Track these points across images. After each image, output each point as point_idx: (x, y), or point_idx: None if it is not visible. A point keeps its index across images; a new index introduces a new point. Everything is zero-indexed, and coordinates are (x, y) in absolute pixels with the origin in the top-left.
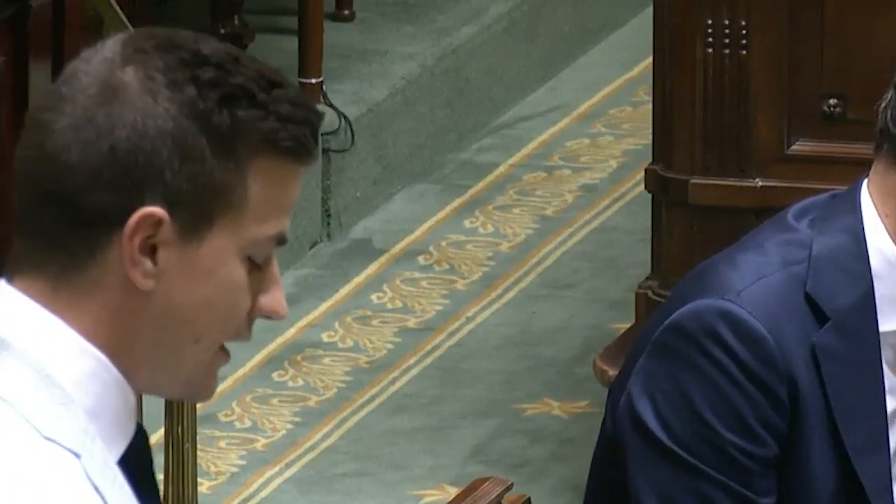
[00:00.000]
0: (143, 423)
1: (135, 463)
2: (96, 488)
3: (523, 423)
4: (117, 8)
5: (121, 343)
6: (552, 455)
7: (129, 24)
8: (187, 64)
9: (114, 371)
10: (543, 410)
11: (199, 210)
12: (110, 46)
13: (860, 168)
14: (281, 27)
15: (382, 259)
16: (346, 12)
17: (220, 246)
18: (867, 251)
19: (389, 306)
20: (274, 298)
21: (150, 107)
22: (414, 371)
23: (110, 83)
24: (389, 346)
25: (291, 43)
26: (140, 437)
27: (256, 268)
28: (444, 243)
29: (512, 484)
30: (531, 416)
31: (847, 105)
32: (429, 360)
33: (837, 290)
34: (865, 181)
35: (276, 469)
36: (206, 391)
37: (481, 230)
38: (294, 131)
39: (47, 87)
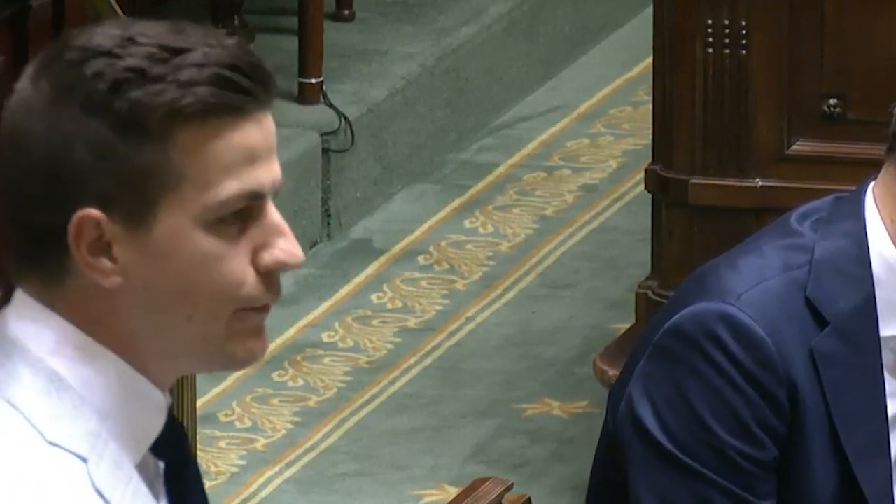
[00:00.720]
0: None
1: (174, 455)
2: (99, 493)
3: (523, 423)
4: (117, 8)
5: (123, 340)
6: (552, 455)
7: None
8: (75, 63)
9: (127, 369)
10: (543, 410)
11: (133, 198)
12: (32, 62)
13: (860, 168)
14: (281, 27)
15: (382, 259)
16: (346, 12)
17: (171, 225)
18: (869, 256)
19: (389, 306)
20: (278, 249)
21: (53, 115)
22: (414, 371)
23: (26, 100)
24: (389, 346)
25: (291, 43)
26: (176, 429)
27: (241, 229)
28: (444, 243)
29: (512, 484)
30: (531, 416)
31: (847, 105)
32: (429, 360)
33: (838, 295)
34: (871, 184)
35: (276, 469)
36: (242, 357)
37: (481, 230)
38: (200, 93)
39: None
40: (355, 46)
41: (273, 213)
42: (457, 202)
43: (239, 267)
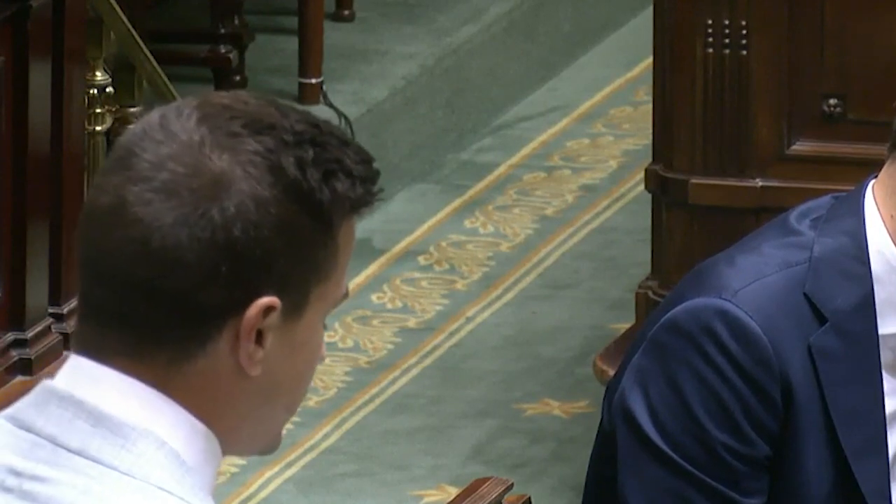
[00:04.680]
0: None
1: None
2: None
3: (523, 423)
4: (117, 8)
5: (222, 418)
6: (552, 455)
7: (129, 24)
8: (287, 145)
9: (217, 447)
10: (543, 410)
11: (301, 289)
12: (189, 127)
13: (860, 168)
14: (281, 27)
15: (382, 259)
16: (346, 12)
17: (313, 318)
18: (868, 254)
19: (389, 306)
20: (323, 349)
21: (258, 196)
22: (414, 371)
23: (212, 173)
24: (389, 346)
25: (291, 43)
26: None
27: None
28: (444, 243)
29: (512, 484)
30: (531, 416)
31: (847, 105)
32: (429, 360)
33: (837, 292)
34: (871, 183)
35: (276, 469)
36: (277, 446)
37: (481, 230)
38: (370, 189)
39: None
40: (355, 46)
41: None
42: (457, 202)
43: None
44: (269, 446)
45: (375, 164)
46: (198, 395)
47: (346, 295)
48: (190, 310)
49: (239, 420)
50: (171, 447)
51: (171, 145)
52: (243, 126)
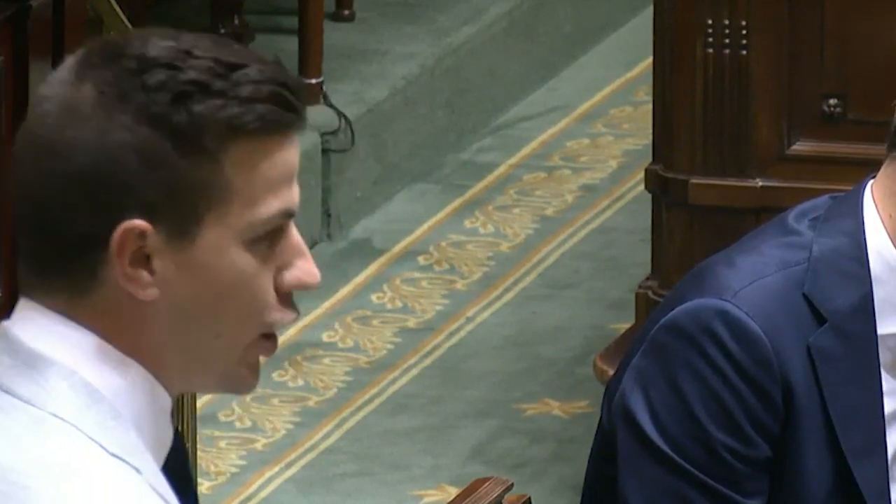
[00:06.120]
0: None
1: (174, 467)
2: (166, 501)
3: (523, 423)
4: (117, 8)
5: (147, 351)
6: (552, 455)
7: (129, 25)
8: (134, 72)
9: (150, 378)
10: (543, 410)
11: (181, 212)
12: (67, 64)
13: (860, 168)
14: (281, 27)
15: (382, 259)
16: (346, 12)
17: (214, 240)
18: (867, 254)
19: (389, 306)
20: (299, 270)
21: (105, 123)
22: (414, 371)
23: (68, 105)
24: (389, 346)
25: (291, 43)
26: (177, 439)
27: (268, 247)
28: (444, 243)
29: (512, 484)
30: (531, 416)
31: (847, 105)
32: (429, 360)
33: (836, 292)
34: (870, 182)
35: (276, 469)
36: (245, 384)
37: (481, 230)
38: (261, 110)
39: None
40: (355, 46)
41: (295, 234)
42: (457, 202)
43: (266, 286)
44: (224, 380)
45: (282, 82)
46: (109, 325)
47: (289, 214)
48: (65, 242)
49: (160, 348)
50: (80, 376)
51: (52, 84)
52: (102, 57)
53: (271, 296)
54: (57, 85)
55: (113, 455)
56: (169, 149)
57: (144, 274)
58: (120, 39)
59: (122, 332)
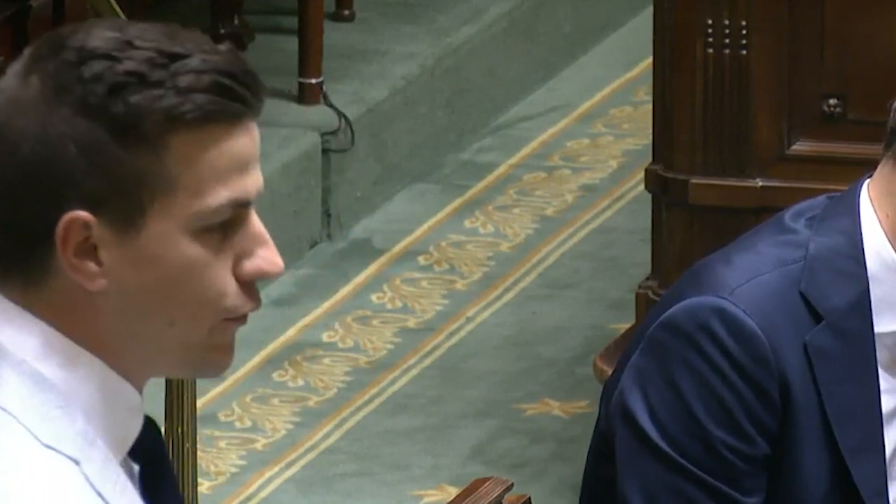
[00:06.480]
0: None
1: (147, 457)
2: (99, 494)
3: (523, 423)
4: (117, 8)
5: (101, 341)
6: (552, 455)
7: None
8: (72, 64)
9: (107, 370)
10: (543, 410)
11: (124, 203)
12: (22, 56)
13: (860, 168)
14: (281, 27)
15: (382, 259)
16: (346, 12)
17: (160, 231)
18: (864, 252)
19: (389, 306)
20: (259, 258)
21: (47, 114)
22: (414, 371)
23: (16, 96)
24: (389, 346)
25: (291, 43)
26: (151, 430)
27: (224, 237)
28: (444, 243)
29: (512, 484)
30: (531, 416)
31: (847, 105)
32: (429, 360)
33: (832, 290)
34: (866, 182)
35: (276, 469)
36: (216, 366)
37: (481, 230)
38: (199, 100)
39: None
40: (355, 46)
41: (255, 223)
42: (457, 202)
43: (222, 275)
44: (194, 367)
45: (225, 70)
46: (62, 315)
47: (242, 203)
48: (14, 232)
49: (114, 337)
50: (30, 366)
51: (8, 77)
52: (48, 49)
53: (229, 285)
54: (11, 77)
55: (46, 446)
56: (107, 140)
57: (91, 265)
58: (67, 31)
59: (75, 322)
